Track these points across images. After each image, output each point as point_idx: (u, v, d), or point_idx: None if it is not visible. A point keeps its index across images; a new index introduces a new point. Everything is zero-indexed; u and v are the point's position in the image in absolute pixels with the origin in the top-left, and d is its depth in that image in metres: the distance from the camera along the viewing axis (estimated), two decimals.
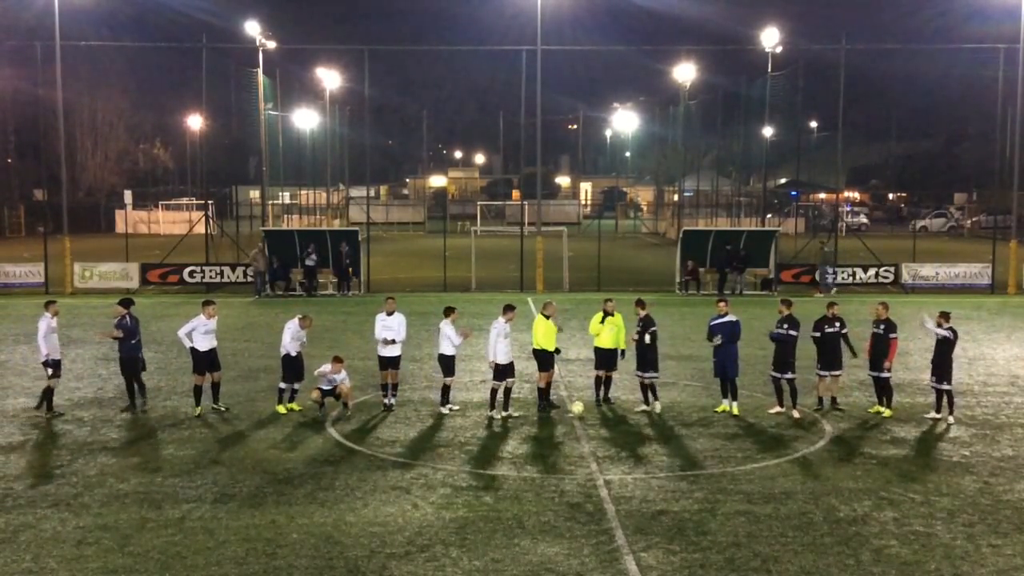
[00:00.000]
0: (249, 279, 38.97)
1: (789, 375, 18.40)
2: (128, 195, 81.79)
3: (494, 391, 18.37)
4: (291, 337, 18.76)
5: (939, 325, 18.07)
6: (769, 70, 55.02)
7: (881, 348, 18.42)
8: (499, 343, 18.13)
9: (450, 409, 18.53)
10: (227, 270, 40.47)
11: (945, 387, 18.09)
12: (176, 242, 43.24)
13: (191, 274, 40.47)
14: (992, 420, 18.35)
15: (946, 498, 13.89)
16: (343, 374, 18.47)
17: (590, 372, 22.38)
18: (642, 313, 18.96)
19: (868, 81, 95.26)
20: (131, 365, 18.72)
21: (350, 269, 38.47)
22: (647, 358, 18.62)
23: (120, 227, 70.71)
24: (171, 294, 38.12)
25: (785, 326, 18.45)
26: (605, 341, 19.06)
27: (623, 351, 19.18)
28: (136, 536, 12.35)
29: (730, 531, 12.54)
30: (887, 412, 18.44)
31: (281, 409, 18.57)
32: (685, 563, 11.55)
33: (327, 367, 18.33)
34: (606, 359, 19.23)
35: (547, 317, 18.55)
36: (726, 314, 18.70)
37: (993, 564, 11.61)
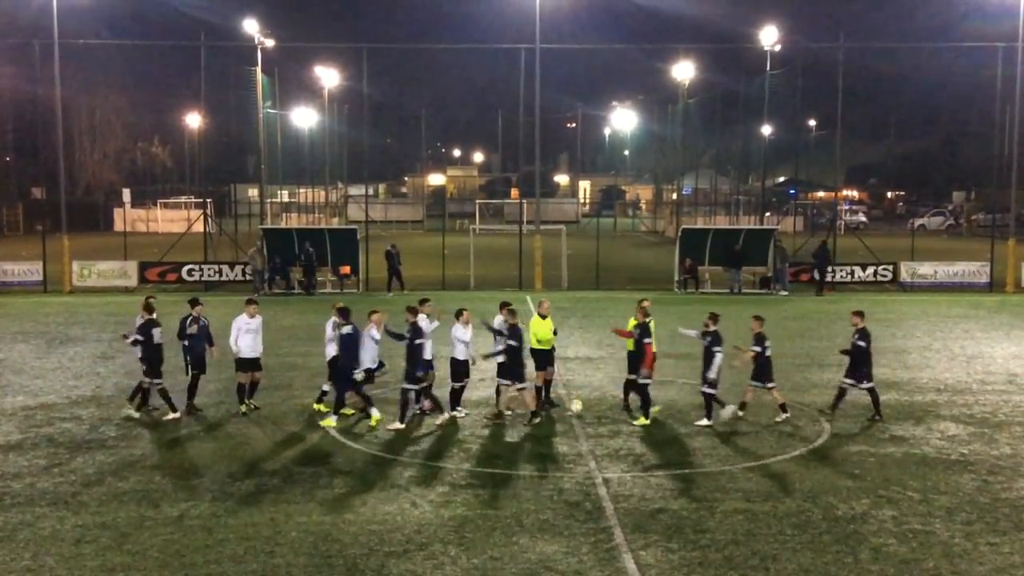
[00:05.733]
0: (248, 278, 39.00)
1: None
2: (127, 193, 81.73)
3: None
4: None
5: (855, 326, 17.97)
6: (768, 68, 55.06)
7: (863, 357, 17.99)
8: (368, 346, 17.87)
9: (465, 413, 18.26)
10: (225, 268, 40.49)
11: (865, 386, 18.04)
12: (175, 240, 43.25)
13: (189, 272, 40.46)
14: (990, 418, 18.37)
15: (944, 496, 13.89)
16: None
17: (588, 370, 22.44)
18: (758, 329, 18.05)
19: (867, 80, 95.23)
20: (204, 365, 18.58)
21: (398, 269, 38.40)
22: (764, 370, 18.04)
23: (119, 225, 70.58)
24: (169, 292, 38.06)
25: (708, 339, 17.74)
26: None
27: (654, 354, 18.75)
28: (134, 534, 12.34)
29: (729, 529, 12.54)
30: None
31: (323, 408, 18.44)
32: (684, 561, 11.55)
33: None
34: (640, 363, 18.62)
35: (543, 316, 18.50)
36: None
37: (991, 562, 11.62)
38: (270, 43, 52.10)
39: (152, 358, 17.97)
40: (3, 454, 15.88)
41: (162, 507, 13.31)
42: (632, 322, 18.45)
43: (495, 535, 12.32)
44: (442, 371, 18.94)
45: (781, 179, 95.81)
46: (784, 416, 17.94)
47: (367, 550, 11.84)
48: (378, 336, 18.05)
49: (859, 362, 18.00)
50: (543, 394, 18.70)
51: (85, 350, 25.27)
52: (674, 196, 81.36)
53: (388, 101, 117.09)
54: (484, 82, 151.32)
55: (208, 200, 51.27)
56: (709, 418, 17.61)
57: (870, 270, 40.82)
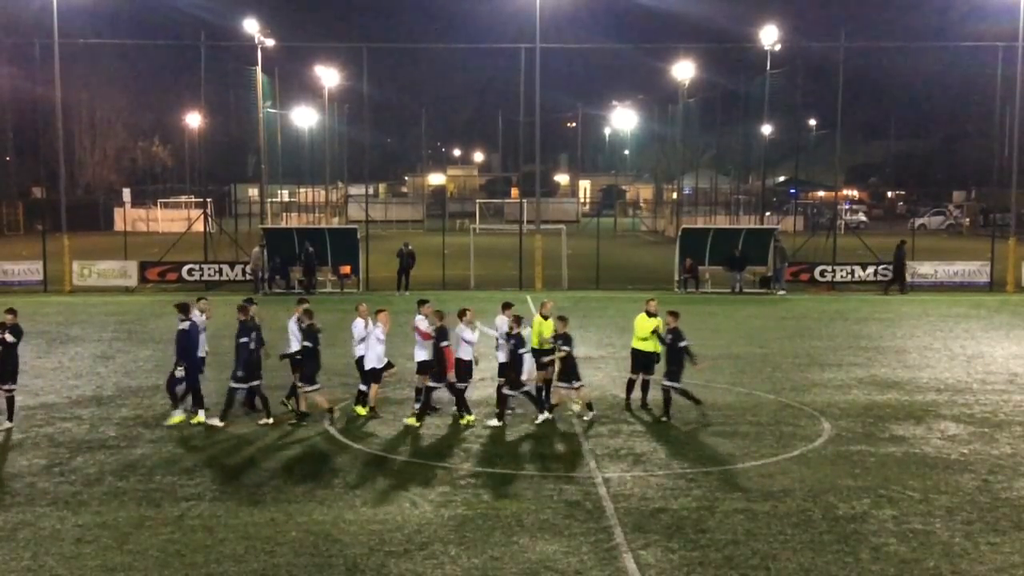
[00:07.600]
0: (248, 277, 39.04)
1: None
2: (127, 193, 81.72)
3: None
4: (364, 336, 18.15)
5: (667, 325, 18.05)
6: (768, 68, 55.09)
7: (678, 357, 17.98)
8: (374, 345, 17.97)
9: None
10: (226, 268, 40.50)
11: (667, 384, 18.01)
12: (175, 240, 43.27)
13: (190, 272, 40.47)
14: (991, 418, 18.36)
15: (944, 496, 13.89)
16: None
17: (589, 370, 22.39)
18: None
19: (867, 79, 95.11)
20: None
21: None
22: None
23: (119, 225, 70.65)
24: (170, 292, 38.08)
25: (512, 342, 17.80)
26: (647, 343, 18.63)
27: (658, 355, 18.78)
28: (135, 534, 12.34)
29: (729, 529, 12.54)
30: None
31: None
32: (684, 561, 11.55)
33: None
34: (645, 362, 18.83)
35: (545, 317, 18.50)
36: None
37: (991, 562, 11.62)
38: (270, 43, 52.16)
39: (14, 362, 17.79)
40: (3, 454, 15.89)
41: (163, 507, 13.31)
42: (658, 324, 18.57)
43: (495, 535, 12.32)
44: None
45: (781, 179, 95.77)
46: (591, 414, 18.03)
47: (367, 550, 11.85)
48: (383, 335, 18.08)
49: (670, 360, 18.05)
50: (543, 394, 18.69)
51: (85, 350, 25.27)
52: (674, 196, 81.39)
53: (388, 100, 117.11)
54: (484, 81, 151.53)
55: (208, 199, 51.28)
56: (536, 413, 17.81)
57: (870, 269, 40.81)
